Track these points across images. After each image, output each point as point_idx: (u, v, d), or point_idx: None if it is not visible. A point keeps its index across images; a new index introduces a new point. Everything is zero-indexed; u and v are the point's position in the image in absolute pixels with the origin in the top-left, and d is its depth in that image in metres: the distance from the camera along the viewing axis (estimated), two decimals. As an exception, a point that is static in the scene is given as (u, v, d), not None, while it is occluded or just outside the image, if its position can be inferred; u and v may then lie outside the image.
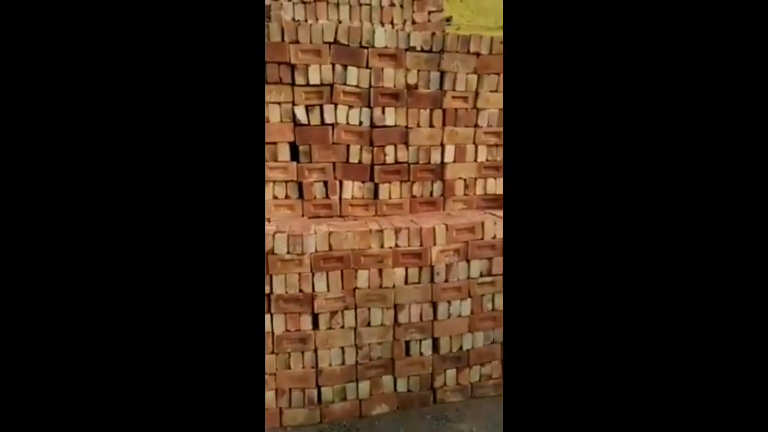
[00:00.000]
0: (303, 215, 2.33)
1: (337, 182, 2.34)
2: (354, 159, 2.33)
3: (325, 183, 2.33)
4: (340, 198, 2.36)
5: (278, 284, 2.05)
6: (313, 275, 2.08)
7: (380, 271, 2.16)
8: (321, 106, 2.24)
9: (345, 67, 2.23)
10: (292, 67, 2.18)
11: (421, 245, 2.19)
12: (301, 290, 2.08)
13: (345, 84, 2.24)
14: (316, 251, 2.07)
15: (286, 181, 2.29)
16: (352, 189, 2.37)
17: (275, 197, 2.29)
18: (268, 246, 2.01)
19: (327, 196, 2.34)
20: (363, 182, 2.37)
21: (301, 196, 2.32)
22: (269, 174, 2.25)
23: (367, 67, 2.25)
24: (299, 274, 2.07)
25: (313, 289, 2.09)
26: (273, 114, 2.20)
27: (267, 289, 2.05)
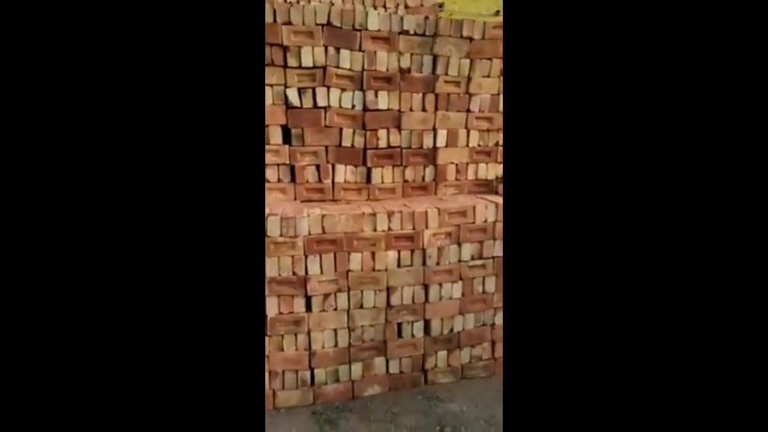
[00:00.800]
0: (295, 199, 2.33)
1: (330, 166, 2.34)
2: (346, 143, 2.33)
3: (318, 167, 2.33)
4: (333, 182, 2.36)
5: (271, 267, 2.05)
6: (306, 258, 2.09)
7: (373, 254, 2.17)
8: (313, 89, 2.23)
9: (338, 49, 2.21)
10: (285, 49, 2.16)
11: (413, 229, 2.20)
12: (294, 273, 2.09)
13: (338, 67, 2.23)
14: (310, 234, 2.07)
15: (278, 164, 2.28)
16: (344, 173, 2.37)
17: (267, 180, 2.28)
18: (261, 228, 2.01)
19: (319, 180, 2.34)
20: (355, 166, 2.38)
21: (293, 179, 2.32)
22: (261, 157, 2.24)
23: (360, 50, 2.24)
24: (292, 256, 2.07)
25: (306, 272, 2.10)
26: (265, 96, 2.18)
27: (260, 272, 2.05)
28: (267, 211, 2.08)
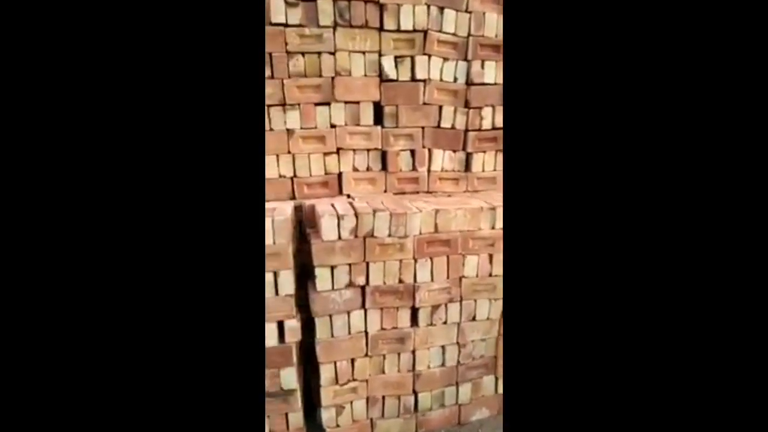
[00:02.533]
0: (386, 190, 1.96)
1: (426, 151, 1.97)
2: (446, 123, 1.96)
3: (413, 152, 1.95)
4: (429, 170, 1.99)
5: (376, 273, 1.69)
6: (415, 262, 1.72)
7: (490, 257, 1.82)
8: (412, 58, 1.85)
9: (441, 9, 1.83)
10: (381, 8, 1.76)
11: (536, 225, 1.85)
12: (401, 280, 1.72)
13: (440, 31, 1.85)
14: (420, 233, 1.71)
15: (368, 150, 1.90)
16: (441, 159, 2.00)
17: (355, 169, 1.90)
18: (366, 227, 1.64)
19: (414, 168, 1.97)
20: (454, 151, 2.01)
21: (384, 167, 1.94)
22: (349, 140, 1.86)
23: (466, 10, 1.86)
24: (400, 261, 1.71)
25: (415, 279, 1.74)
26: (356, 66, 1.79)
27: (362, 281, 1.68)
28: (367, 205, 1.71)
